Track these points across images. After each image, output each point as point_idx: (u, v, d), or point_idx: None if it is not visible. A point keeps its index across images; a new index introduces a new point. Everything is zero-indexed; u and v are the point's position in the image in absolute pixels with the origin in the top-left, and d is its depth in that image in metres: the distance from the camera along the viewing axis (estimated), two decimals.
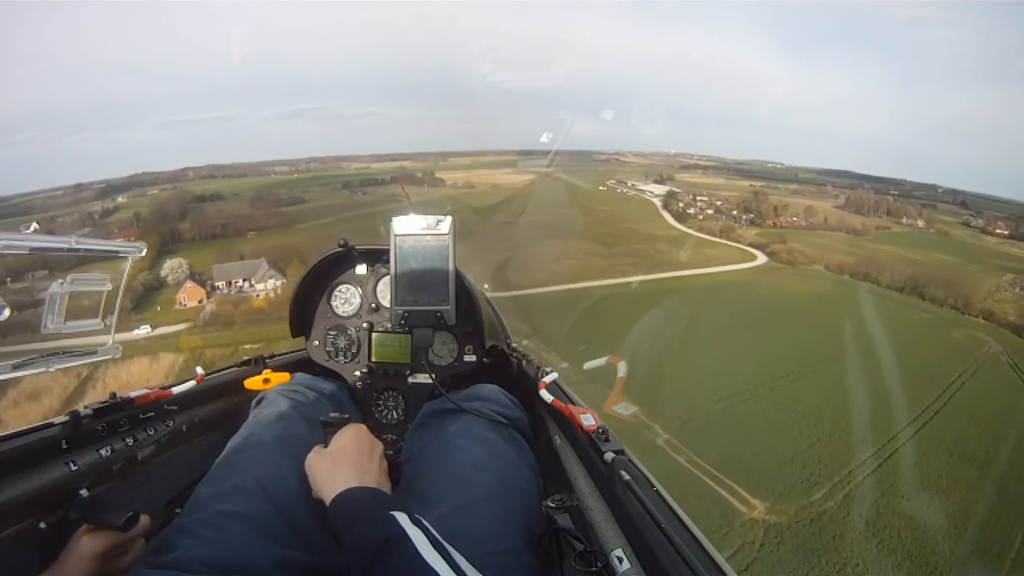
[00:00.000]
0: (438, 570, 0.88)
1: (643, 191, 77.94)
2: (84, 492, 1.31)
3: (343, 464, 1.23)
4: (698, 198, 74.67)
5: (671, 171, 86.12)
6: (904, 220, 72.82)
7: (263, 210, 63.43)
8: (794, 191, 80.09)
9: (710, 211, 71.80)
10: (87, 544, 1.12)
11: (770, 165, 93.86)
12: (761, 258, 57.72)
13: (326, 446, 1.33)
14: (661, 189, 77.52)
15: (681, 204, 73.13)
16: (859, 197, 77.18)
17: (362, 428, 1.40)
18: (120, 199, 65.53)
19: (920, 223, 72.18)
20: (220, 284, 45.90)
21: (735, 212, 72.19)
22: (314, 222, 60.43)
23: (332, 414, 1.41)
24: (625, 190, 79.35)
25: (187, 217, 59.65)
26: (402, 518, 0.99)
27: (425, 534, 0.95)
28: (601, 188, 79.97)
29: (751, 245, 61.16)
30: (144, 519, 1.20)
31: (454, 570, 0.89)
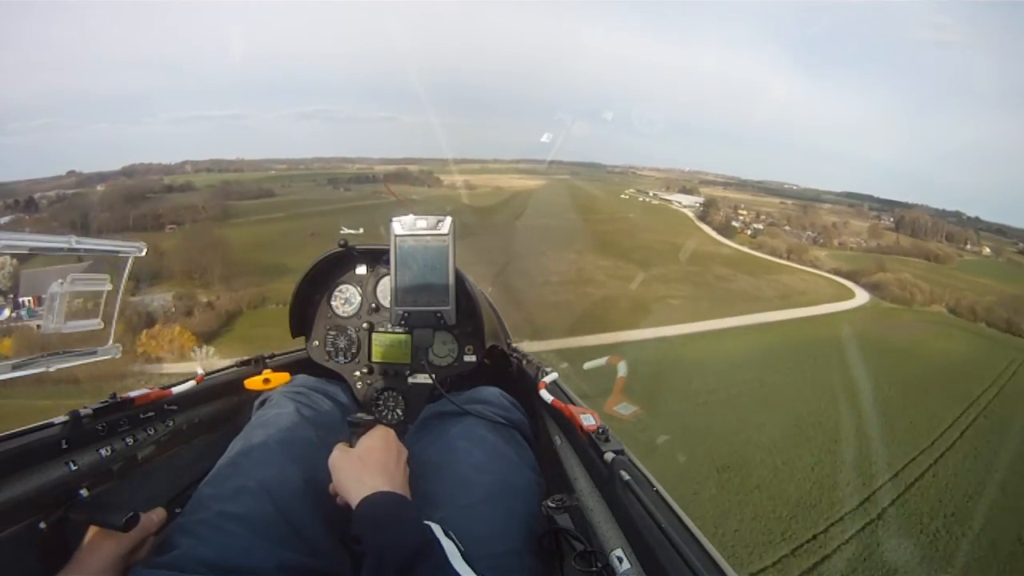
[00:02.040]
0: None
1: (669, 201, 65.28)
2: (84, 492, 1.24)
3: (372, 466, 1.13)
4: (739, 211, 60.41)
5: (692, 184, 72.90)
6: (968, 246, 58.86)
7: (214, 202, 52.83)
8: (829, 210, 65.96)
9: (758, 225, 56.60)
10: (106, 542, 1.07)
11: (787, 186, 79.53)
12: (861, 293, 38.12)
13: (351, 446, 1.22)
14: (689, 200, 64.27)
15: (721, 215, 58.04)
16: (915, 218, 62.60)
17: (390, 432, 1.28)
18: (99, 188, 56.73)
19: (986, 251, 58.27)
20: (26, 300, 26.88)
21: (787, 227, 57.22)
22: (259, 216, 49.64)
23: (359, 415, 1.31)
24: (648, 199, 66.45)
25: (117, 208, 48.58)
26: (436, 528, 0.96)
27: (456, 546, 0.94)
28: (623, 196, 66.85)
29: (833, 272, 42.35)
30: (160, 511, 1.17)
31: None
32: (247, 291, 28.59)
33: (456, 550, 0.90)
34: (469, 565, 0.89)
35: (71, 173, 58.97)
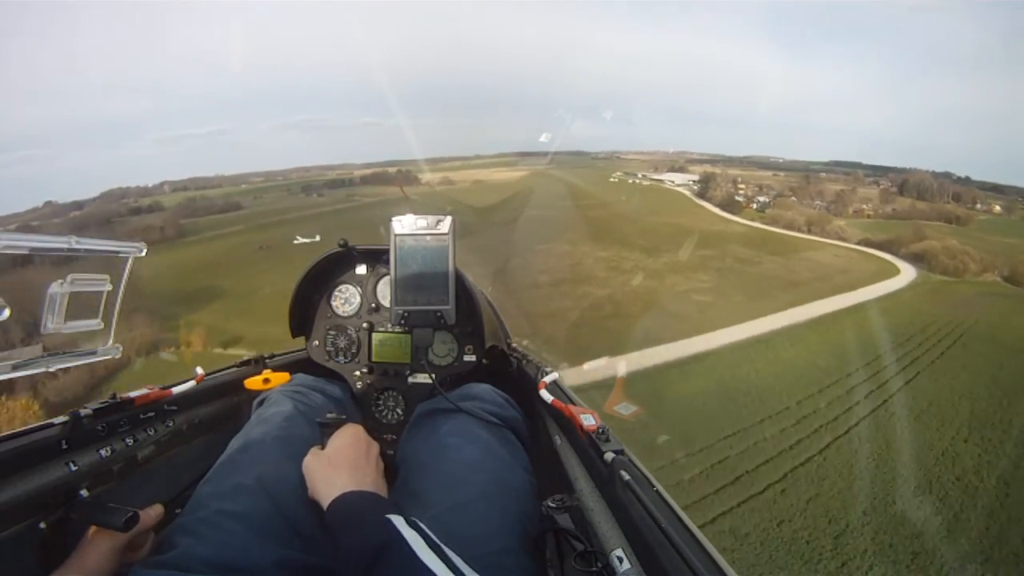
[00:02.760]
0: (436, 571, 0.84)
1: (660, 181, 62.19)
2: (84, 492, 1.22)
3: (340, 467, 1.14)
4: (738, 185, 56.21)
5: (680, 163, 70.54)
6: (978, 205, 56.23)
7: (172, 221, 49.93)
8: (827, 179, 62.63)
9: (763, 198, 52.35)
10: (105, 541, 1.05)
11: (772, 159, 77.04)
12: (906, 268, 32.46)
13: (323, 448, 1.22)
14: (682, 178, 61.19)
15: (722, 191, 53.89)
16: (919, 181, 59.44)
17: (359, 429, 1.28)
18: (72, 215, 56.43)
19: (997, 208, 55.73)
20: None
21: (793, 198, 53.22)
22: (216, 232, 45.55)
23: (329, 415, 1.30)
24: (637, 181, 63.55)
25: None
26: (398, 521, 0.93)
27: (422, 536, 0.91)
28: (612, 179, 63.82)
29: (864, 243, 37.29)
30: (157, 507, 1.16)
31: (452, 571, 0.85)
32: (139, 332, 22.20)
33: (422, 541, 0.87)
34: (438, 554, 0.85)
35: (48, 204, 58.17)
